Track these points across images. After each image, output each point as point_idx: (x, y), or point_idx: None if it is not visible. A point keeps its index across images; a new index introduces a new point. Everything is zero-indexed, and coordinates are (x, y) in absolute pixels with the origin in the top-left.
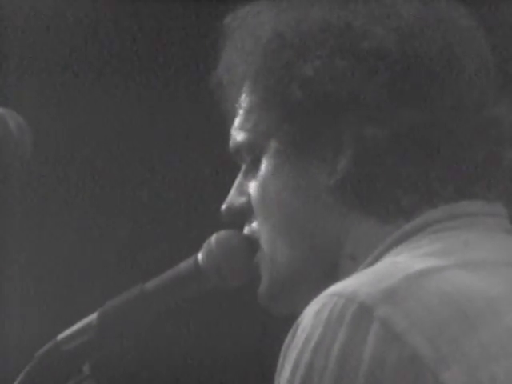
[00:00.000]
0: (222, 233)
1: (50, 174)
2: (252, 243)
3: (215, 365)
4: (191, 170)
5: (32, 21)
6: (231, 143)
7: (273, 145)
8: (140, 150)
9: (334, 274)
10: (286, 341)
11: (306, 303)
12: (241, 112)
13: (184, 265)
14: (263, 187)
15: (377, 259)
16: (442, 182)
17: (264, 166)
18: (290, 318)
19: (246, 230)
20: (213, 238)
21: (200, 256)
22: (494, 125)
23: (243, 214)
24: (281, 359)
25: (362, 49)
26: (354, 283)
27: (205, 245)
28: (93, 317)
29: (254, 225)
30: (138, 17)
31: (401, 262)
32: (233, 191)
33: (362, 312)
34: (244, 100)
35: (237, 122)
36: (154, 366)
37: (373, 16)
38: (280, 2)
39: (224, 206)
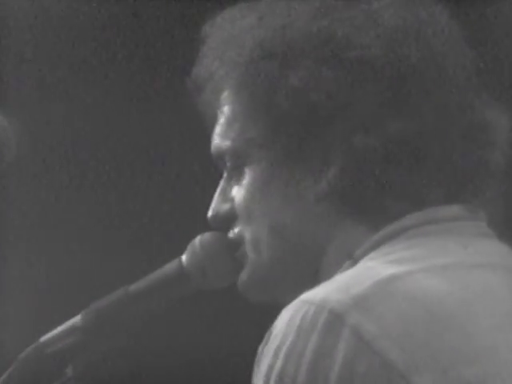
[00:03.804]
0: (206, 235)
1: (44, 174)
2: (236, 245)
3: (204, 367)
4: (175, 173)
5: (32, 21)
6: (214, 149)
7: (258, 153)
8: (131, 153)
9: (316, 277)
10: (260, 348)
11: (287, 295)
12: (223, 119)
13: (168, 267)
14: (249, 194)
15: (352, 265)
16: (430, 189)
17: (249, 173)
18: None
19: (230, 235)
20: (197, 240)
21: (184, 258)
22: (481, 128)
23: (229, 221)
24: (255, 366)
25: (347, 58)
26: (325, 290)
27: (189, 247)
28: (77, 319)
29: (238, 229)
30: (136, 17)
31: (371, 268)
32: (216, 198)
33: (332, 319)
34: (226, 107)
35: (219, 128)
36: (139, 367)
37: (356, 24)
38: (258, 7)
39: (210, 214)
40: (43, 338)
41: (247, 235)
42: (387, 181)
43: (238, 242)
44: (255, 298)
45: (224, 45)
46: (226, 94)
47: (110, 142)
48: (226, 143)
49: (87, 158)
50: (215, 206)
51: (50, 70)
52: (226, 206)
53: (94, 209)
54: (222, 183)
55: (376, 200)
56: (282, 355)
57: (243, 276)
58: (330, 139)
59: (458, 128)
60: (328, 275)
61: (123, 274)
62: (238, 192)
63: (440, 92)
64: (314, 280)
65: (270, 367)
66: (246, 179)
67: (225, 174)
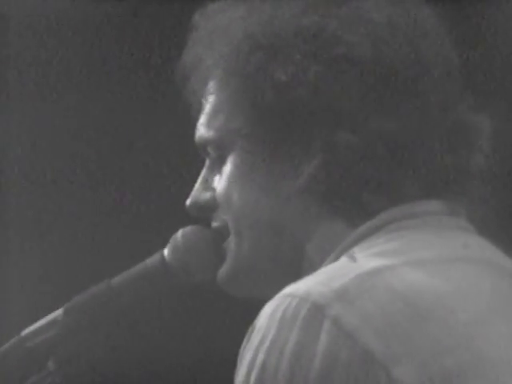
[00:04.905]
0: (188, 228)
1: (39, 173)
2: (218, 237)
3: (183, 363)
4: (158, 168)
5: (32, 22)
6: (198, 138)
7: (241, 144)
8: (123, 151)
9: (296, 273)
10: (243, 343)
11: (267, 290)
12: (208, 108)
13: (150, 260)
14: (229, 184)
15: (335, 259)
16: (410, 186)
17: (230, 163)
18: None
19: (213, 224)
20: (179, 234)
21: (166, 252)
22: (462, 130)
23: (209, 209)
24: (238, 362)
25: (335, 55)
26: (307, 283)
27: (171, 240)
28: (58, 312)
29: (221, 217)
30: (137, 17)
31: (353, 262)
32: (197, 186)
33: (314, 311)
34: (212, 97)
35: (204, 118)
36: (121, 361)
37: (345, 21)
38: (248, 0)
39: (189, 201)
40: (24, 332)
41: (230, 225)
42: (366, 177)
43: (223, 232)
44: (234, 293)
45: (212, 34)
46: (212, 84)
47: (99, 142)
48: (210, 133)
49: (79, 158)
50: (195, 194)
51: (49, 70)
52: (206, 195)
53: (74, 203)
54: (203, 172)
55: (355, 196)
56: (263, 349)
57: (222, 270)
58: (313, 134)
59: (439, 128)
60: (309, 270)
61: (105, 267)
62: (219, 182)
63: (424, 92)
64: (295, 275)
65: (252, 361)
66: (227, 169)
67: (207, 163)
